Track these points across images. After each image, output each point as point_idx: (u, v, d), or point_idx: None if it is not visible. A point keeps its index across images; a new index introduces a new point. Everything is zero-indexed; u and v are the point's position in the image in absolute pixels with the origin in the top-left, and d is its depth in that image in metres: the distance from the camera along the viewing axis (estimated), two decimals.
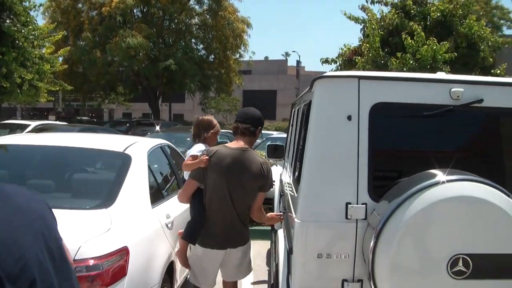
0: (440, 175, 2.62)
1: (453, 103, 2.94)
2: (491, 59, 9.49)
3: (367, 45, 9.19)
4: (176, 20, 30.61)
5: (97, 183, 3.77)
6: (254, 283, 5.54)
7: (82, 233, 2.89)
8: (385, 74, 3.06)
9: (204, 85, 32.34)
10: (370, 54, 9.05)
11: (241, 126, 3.71)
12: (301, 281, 2.92)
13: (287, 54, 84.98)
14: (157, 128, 21.80)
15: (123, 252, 2.97)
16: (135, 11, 29.92)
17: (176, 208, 4.26)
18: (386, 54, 9.10)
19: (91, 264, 2.74)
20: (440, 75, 3.17)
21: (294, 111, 5.04)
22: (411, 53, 8.63)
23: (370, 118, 2.91)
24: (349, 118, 2.91)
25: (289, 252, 2.98)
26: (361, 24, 10.66)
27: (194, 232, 3.61)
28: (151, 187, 3.86)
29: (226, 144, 3.73)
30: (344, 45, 10.62)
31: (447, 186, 2.56)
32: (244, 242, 3.70)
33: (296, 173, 3.57)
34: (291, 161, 3.91)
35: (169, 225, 3.90)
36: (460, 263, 2.55)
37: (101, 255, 2.80)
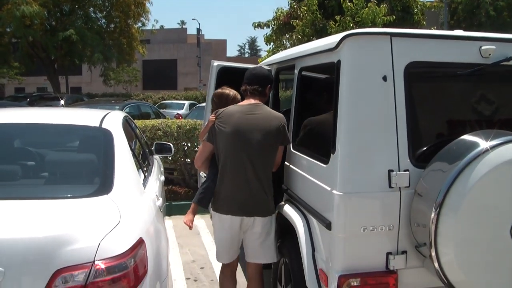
0: (496, 136, 2.42)
1: (484, 62, 2.76)
2: (424, 22, 9.71)
3: (305, 8, 8.90)
4: None
5: (84, 164, 3.13)
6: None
7: (93, 227, 2.33)
8: (416, 32, 2.79)
9: (105, 56, 30.41)
10: (308, 17, 8.79)
11: (249, 88, 3.49)
12: (345, 259, 2.64)
13: (183, 23, 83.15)
14: (62, 102, 20.08)
15: (142, 245, 2.46)
16: None
17: (157, 187, 3.77)
18: (323, 18, 8.93)
19: (116, 264, 2.21)
20: (461, 32, 2.95)
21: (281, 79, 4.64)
22: (350, 16, 8.53)
23: (405, 78, 2.66)
24: (385, 78, 2.63)
25: (327, 228, 2.66)
26: None
27: (205, 195, 3.43)
28: (136, 166, 3.32)
29: (237, 104, 3.51)
30: (278, 8, 10.26)
31: (509, 147, 2.37)
32: (263, 212, 3.33)
33: (317, 144, 3.22)
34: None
35: (161, 209, 3.41)
36: None
37: (125, 251, 2.28)
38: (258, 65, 4.03)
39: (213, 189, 3.40)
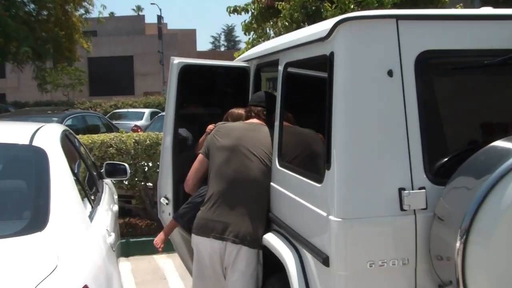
0: None
1: None
2: (447, 0, 9.83)
3: None
4: None
5: (9, 194, 3.14)
6: None
7: (21, 275, 2.33)
8: (429, 12, 2.86)
9: (37, 52, 30.08)
10: None
11: (254, 109, 3.91)
12: None
13: (139, 9, 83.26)
14: None
15: None
16: None
17: (109, 219, 3.78)
18: None
19: None
20: (489, 10, 3.02)
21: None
22: None
23: (417, 71, 2.73)
24: (390, 73, 2.71)
25: (324, 263, 2.70)
26: None
27: (189, 211, 3.82)
28: (80, 194, 3.34)
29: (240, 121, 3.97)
30: None
31: None
32: (252, 242, 3.52)
33: (299, 157, 3.29)
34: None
35: (114, 247, 3.42)
36: None
37: None
38: (234, 61, 4.14)
39: (197, 209, 3.68)
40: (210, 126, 3.99)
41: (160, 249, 4.02)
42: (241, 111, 4.16)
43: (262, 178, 3.62)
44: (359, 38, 2.70)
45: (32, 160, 3.24)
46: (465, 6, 10.92)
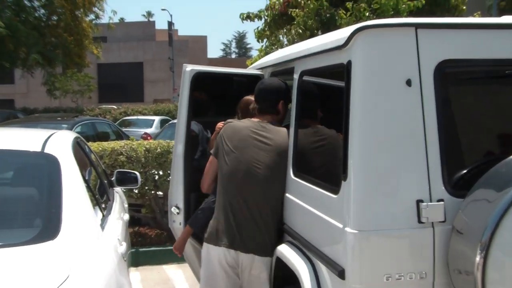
0: None
1: None
2: (464, 7, 9.85)
3: None
4: None
5: (21, 202, 3.17)
6: None
7: (33, 285, 2.35)
8: (449, 21, 2.87)
9: (47, 58, 30.23)
10: (312, 6, 8.92)
11: (257, 106, 3.86)
12: None
13: (149, 15, 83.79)
14: None
15: None
16: None
17: (120, 228, 3.80)
18: (330, 6, 9.06)
19: None
20: (510, 18, 3.03)
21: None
22: (365, 2, 8.67)
23: (436, 81, 2.74)
24: (408, 83, 2.72)
25: (340, 276, 2.70)
26: None
27: (202, 216, 3.93)
28: (91, 202, 3.36)
29: (247, 119, 3.88)
30: None
31: None
32: (262, 251, 3.56)
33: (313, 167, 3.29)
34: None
35: (125, 257, 3.43)
36: None
37: None
38: (248, 68, 4.14)
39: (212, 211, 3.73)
40: (219, 125, 4.01)
41: (179, 255, 4.17)
42: (251, 97, 4.11)
43: (270, 184, 3.59)
44: (378, 47, 2.71)
45: (44, 168, 3.26)
46: (482, 15, 10.91)
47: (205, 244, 3.73)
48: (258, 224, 3.56)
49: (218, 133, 3.90)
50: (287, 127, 3.74)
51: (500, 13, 11.94)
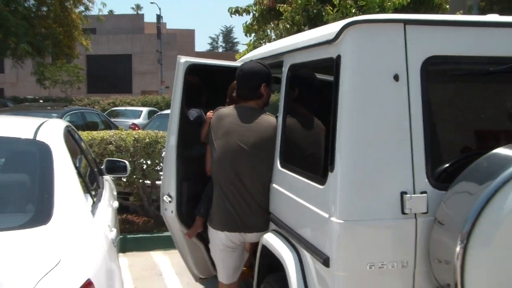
0: None
1: None
2: (447, 6, 9.89)
3: None
4: None
5: (14, 188, 3.17)
6: None
7: (25, 268, 2.35)
8: (436, 18, 2.89)
9: (36, 48, 29.93)
10: (299, 1, 8.93)
11: (239, 92, 3.91)
12: None
13: (138, 7, 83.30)
14: None
15: None
16: None
17: (110, 215, 3.80)
18: (318, 2, 9.08)
19: None
20: (496, 17, 3.05)
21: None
22: None
23: (423, 76, 2.76)
24: (396, 78, 2.73)
25: (325, 264, 2.72)
26: None
27: (205, 202, 4.10)
28: (82, 188, 3.36)
29: (232, 106, 3.95)
30: None
31: None
32: (262, 226, 3.75)
33: (301, 158, 3.31)
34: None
35: (114, 243, 3.43)
36: None
37: None
38: (237, 61, 4.14)
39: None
40: (209, 114, 4.07)
41: (188, 238, 4.32)
42: None
43: (259, 159, 3.69)
44: (367, 42, 2.72)
45: (36, 155, 3.25)
46: (464, 14, 10.97)
47: (210, 229, 3.94)
48: (252, 207, 3.72)
49: (209, 123, 3.95)
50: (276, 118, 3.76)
51: (480, 13, 12.03)
